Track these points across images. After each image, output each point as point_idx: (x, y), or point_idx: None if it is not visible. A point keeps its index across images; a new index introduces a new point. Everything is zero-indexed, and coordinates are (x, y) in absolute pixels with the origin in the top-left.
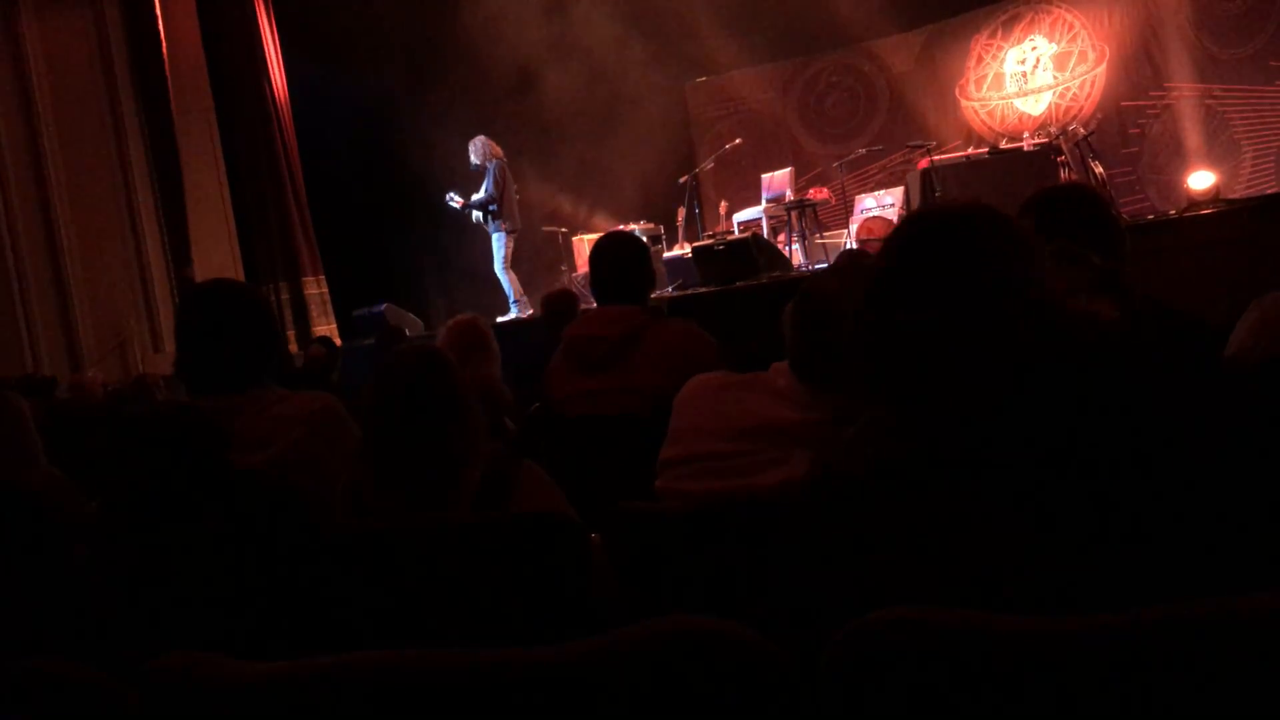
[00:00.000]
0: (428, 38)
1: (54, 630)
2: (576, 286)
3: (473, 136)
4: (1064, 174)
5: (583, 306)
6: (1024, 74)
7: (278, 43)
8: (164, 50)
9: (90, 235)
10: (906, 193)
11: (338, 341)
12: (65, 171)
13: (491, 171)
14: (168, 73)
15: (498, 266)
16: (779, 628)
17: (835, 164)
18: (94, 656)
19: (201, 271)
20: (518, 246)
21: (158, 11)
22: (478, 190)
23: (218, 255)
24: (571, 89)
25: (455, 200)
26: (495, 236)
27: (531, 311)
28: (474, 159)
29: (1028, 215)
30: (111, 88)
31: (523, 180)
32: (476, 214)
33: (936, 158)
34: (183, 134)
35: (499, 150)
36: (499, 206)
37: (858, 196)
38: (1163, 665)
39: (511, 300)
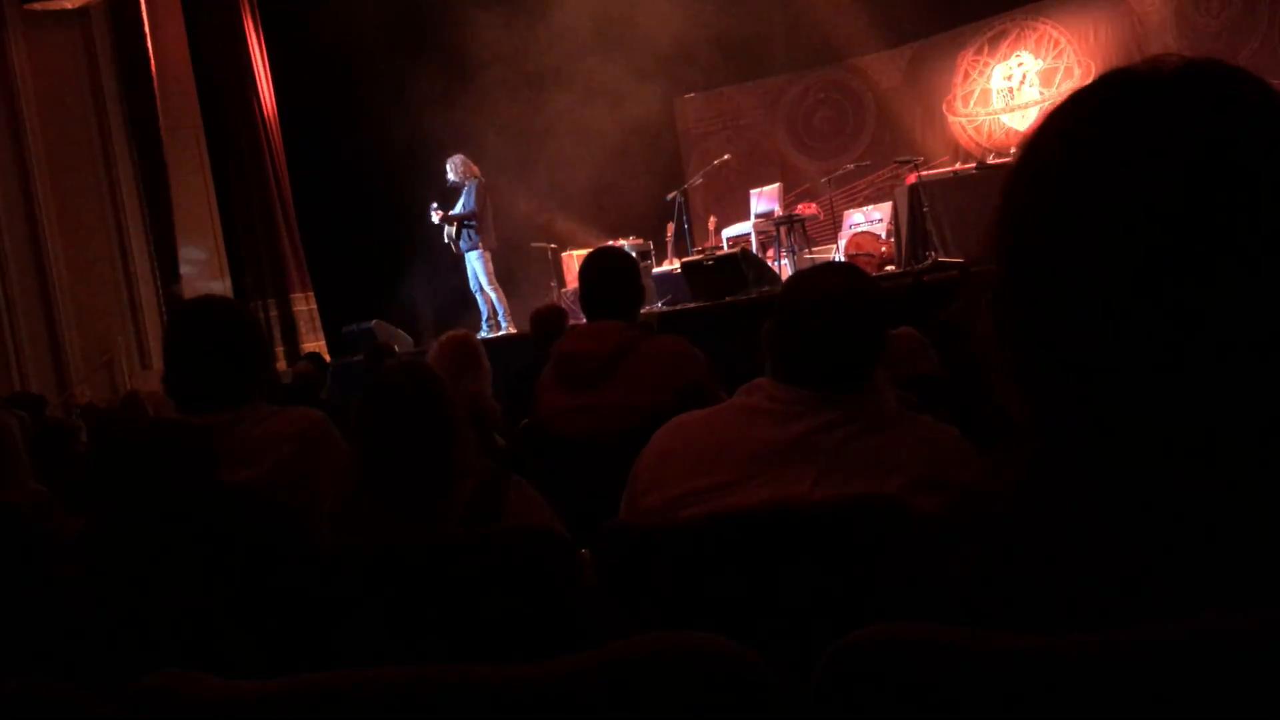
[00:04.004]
0: (417, 54)
1: (39, 650)
2: (566, 302)
3: (461, 152)
4: None
5: (571, 322)
6: (1010, 90)
7: (266, 60)
8: (152, 68)
9: (78, 253)
10: (894, 208)
11: (327, 358)
12: (53, 188)
13: (472, 190)
14: (156, 91)
15: (484, 283)
16: (782, 645)
17: (824, 179)
18: (80, 676)
19: (189, 289)
20: (501, 263)
21: (146, 30)
22: (454, 206)
23: (206, 272)
24: (560, 105)
25: (437, 211)
26: (474, 254)
27: (506, 328)
28: (451, 176)
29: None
30: (99, 105)
31: (511, 195)
32: (449, 232)
33: (924, 173)
34: (171, 152)
35: (477, 170)
36: (479, 224)
37: (846, 212)
38: (1155, 685)
39: (501, 315)
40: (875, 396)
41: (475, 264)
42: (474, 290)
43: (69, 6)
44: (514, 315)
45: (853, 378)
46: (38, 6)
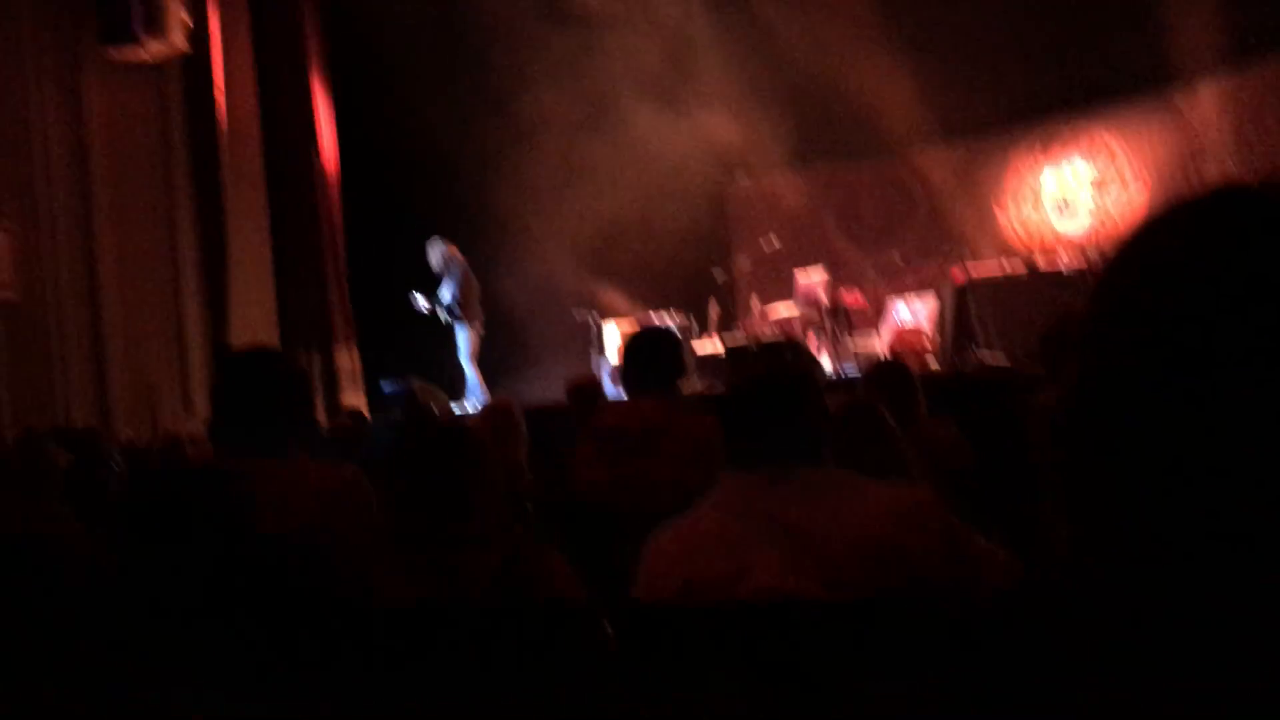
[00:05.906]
0: (475, 116)
1: (62, 685)
2: (606, 373)
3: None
4: None
5: (611, 398)
6: (1063, 198)
7: (332, 116)
8: (220, 121)
9: (132, 293)
10: (940, 302)
11: (366, 415)
12: (113, 228)
13: (457, 276)
14: (222, 143)
15: (463, 358)
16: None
17: (870, 269)
18: (104, 714)
19: (238, 335)
20: (538, 329)
21: (217, 84)
22: (440, 286)
23: (256, 320)
24: (611, 174)
25: (422, 302)
26: (459, 329)
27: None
28: (434, 262)
29: (1053, 339)
30: (166, 153)
31: (555, 262)
32: (443, 315)
33: (971, 267)
34: (231, 200)
35: (458, 253)
36: (464, 307)
37: (889, 298)
38: None
39: (476, 393)
40: (829, 468)
41: (459, 341)
42: (463, 362)
43: (147, 59)
44: (550, 382)
45: (800, 451)
46: (117, 57)
